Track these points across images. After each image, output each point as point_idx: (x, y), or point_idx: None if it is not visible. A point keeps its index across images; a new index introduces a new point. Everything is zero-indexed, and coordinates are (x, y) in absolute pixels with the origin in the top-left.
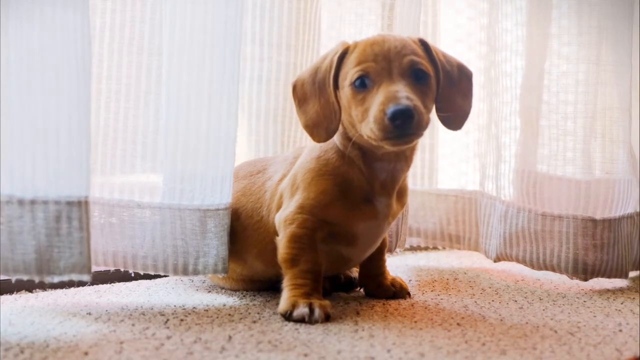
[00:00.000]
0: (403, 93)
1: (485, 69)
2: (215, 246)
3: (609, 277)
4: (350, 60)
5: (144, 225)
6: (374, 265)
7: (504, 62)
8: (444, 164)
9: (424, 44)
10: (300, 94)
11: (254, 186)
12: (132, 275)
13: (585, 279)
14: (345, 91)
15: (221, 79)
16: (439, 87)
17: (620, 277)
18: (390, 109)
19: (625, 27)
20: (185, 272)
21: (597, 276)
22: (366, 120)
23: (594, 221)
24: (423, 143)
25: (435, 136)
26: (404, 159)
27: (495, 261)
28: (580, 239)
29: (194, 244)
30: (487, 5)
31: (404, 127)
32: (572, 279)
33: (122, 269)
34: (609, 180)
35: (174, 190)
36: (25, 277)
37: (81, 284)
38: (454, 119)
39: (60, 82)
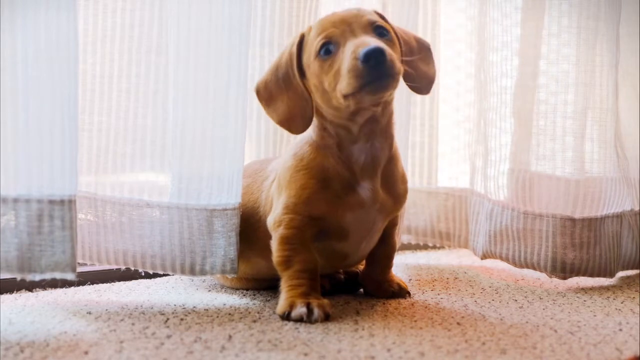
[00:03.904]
0: (371, 39)
1: (476, 67)
2: (222, 246)
3: (591, 276)
4: (310, 38)
5: (153, 224)
6: (379, 271)
7: (495, 61)
8: (442, 162)
9: (380, 15)
10: (266, 95)
11: (254, 185)
12: (133, 273)
13: (564, 278)
14: (312, 67)
15: (228, 78)
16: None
17: (604, 276)
18: (361, 51)
19: (612, 28)
20: (192, 272)
21: (577, 275)
22: (340, 79)
23: (572, 220)
24: (414, 141)
25: (430, 134)
26: (381, 134)
27: (481, 258)
28: (559, 238)
29: (201, 244)
30: (478, 5)
31: (378, 67)
32: (550, 277)
33: (132, 268)
34: (589, 179)
35: (181, 189)
36: (7, 275)
37: (81, 283)
38: (420, 83)
39: (44, 83)
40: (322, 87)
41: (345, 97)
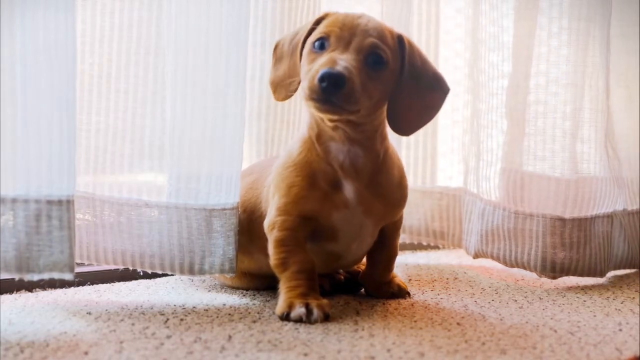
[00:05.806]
0: (344, 62)
1: (469, 68)
2: (221, 246)
3: (581, 275)
4: (321, 24)
5: (152, 224)
6: (380, 273)
7: (489, 62)
8: (439, 162)
9: (399, 39)
10: (279, 53)
11: (259, 181)
12: (133, 274)
13: (554, 277)
14: (305, 50)
15: (226, 78)
16: (400, 85)
17: (594, 276)
18: (322, 70)
19: (603, 29)
20: (191, 271)
21: (567, 275)
22: (306, 80)
23: (562, 220)
24: (408, 140)
25: (424, 134)
26: (358, 144)
27: (474, 258)
28: (549, 238)
29: (200, 243)
30: (473, 5)
31: (328, 91)
32: (540, 277)
33: (130, 268)
34: (579, 179)
35: (180, 189)
36: (5, 275)
37: (81, 283)
38: (405, 124)
39: (43, 83)
40: (302, 71)
41: (303, 96)
